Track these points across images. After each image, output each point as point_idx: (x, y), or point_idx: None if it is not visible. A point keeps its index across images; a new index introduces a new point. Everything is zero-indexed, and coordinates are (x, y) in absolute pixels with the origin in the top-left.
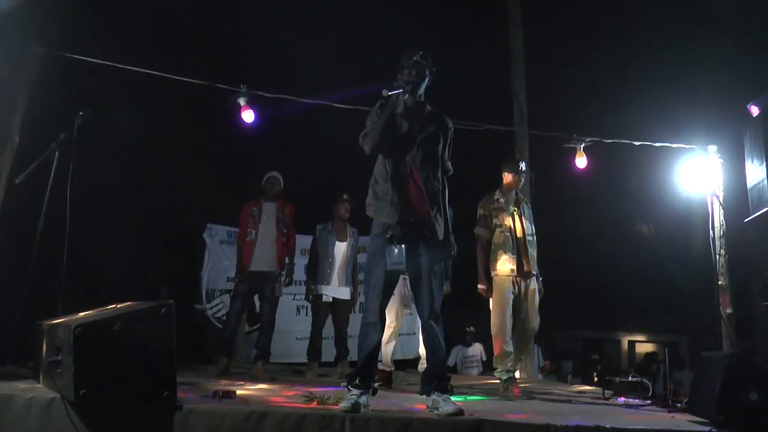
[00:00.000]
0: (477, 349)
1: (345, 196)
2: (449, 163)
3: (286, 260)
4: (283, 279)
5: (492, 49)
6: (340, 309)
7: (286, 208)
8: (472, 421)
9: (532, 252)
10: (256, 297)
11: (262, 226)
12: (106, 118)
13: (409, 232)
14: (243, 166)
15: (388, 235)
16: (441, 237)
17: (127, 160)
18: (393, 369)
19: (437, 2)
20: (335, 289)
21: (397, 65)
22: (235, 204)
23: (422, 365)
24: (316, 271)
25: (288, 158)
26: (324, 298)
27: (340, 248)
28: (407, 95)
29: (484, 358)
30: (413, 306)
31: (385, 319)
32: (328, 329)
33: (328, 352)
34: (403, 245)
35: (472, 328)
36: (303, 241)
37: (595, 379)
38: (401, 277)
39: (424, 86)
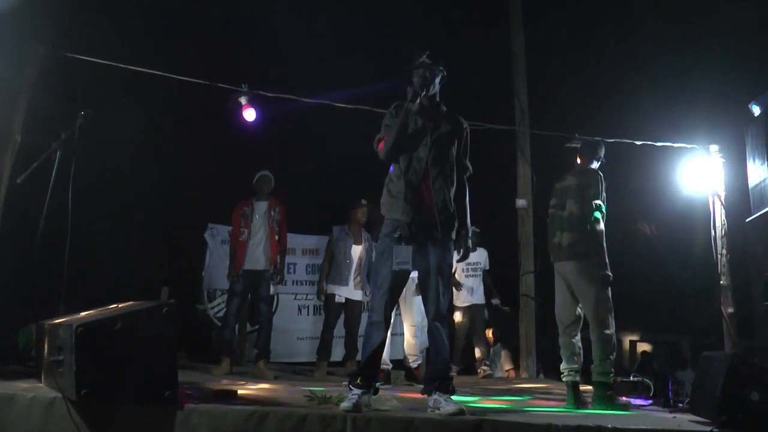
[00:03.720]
0: (482, 255)
1: (363, 201)
2: (468, 163)
3: (278, 259)
4: (276, 278)
5: (493, 49)
6: (351, 310)
7: (277, 206)
8: (473, 421)
9: None
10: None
11: (254, 226)
12: (107, 117)
13: (419, 231)
14: (245, 165)
15: (396, 235)
16: (453, 237)
17: (128, 159)
18: (391, 368)
19: (439, 2)
20: (350, 291)
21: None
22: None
23: (407, 360)
24: (332, 272)
25: (290, 157)
26: (337, 299)
27: (356, 251)
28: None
29: (487, 267)
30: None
31: (390, 319)
32: (339, 329)
33: (335, 352)
34: (410, 245)
35: (474, 227)
36: (304, 241)
37: None
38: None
39: (435, 86)
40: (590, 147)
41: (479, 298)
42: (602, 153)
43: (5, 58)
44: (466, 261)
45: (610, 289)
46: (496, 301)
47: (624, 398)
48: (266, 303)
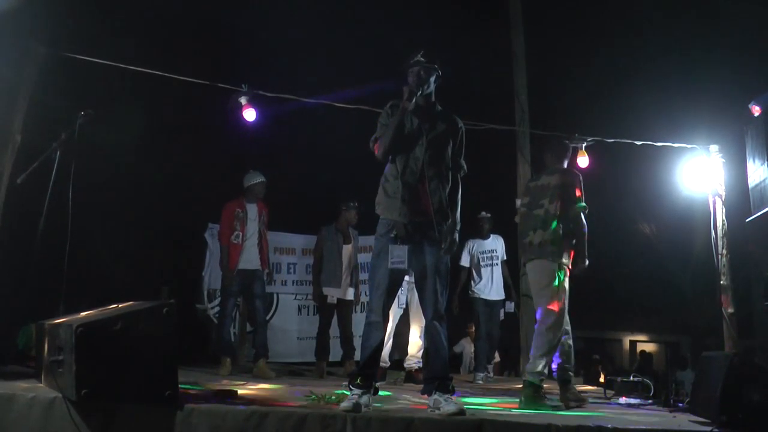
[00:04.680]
0: (497, 242)
1: (356, 203)
2: (463, 162)
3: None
4: (268, 278)
5: (494, 50)
6: (343, 309)
7: (264, 209)
8: (473, 421)
9: None
10: None
11: (249, 228)
12: (107, 117)
13: (415, 231)
14: (245, 165)
15: (392, 235)
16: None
17: (128, 159)
18: (388, 366)
19: (439, 2)
20: (342, 290)
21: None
22: None
23: (408, 362)
24: (324, 273)
25: (290, 157)
26: (329, 299)
27: (347, 250)
28: (417, 95)
29: (504, 257)
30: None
31: (388, 319)
32: (334, 329)
33: (334, 352)
34: (406, 245)
35: (485, 213)
36: (303, 241)
37: (601, 380)
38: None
39: (430, 85)
40: (560, 146)
41: (497, 293)
42: (570, 151)
43: (5, 58)
44: (482, 249)
45: (567, 292)
46: (510, 307)
47: (624, 398)
48: (262, 300)
